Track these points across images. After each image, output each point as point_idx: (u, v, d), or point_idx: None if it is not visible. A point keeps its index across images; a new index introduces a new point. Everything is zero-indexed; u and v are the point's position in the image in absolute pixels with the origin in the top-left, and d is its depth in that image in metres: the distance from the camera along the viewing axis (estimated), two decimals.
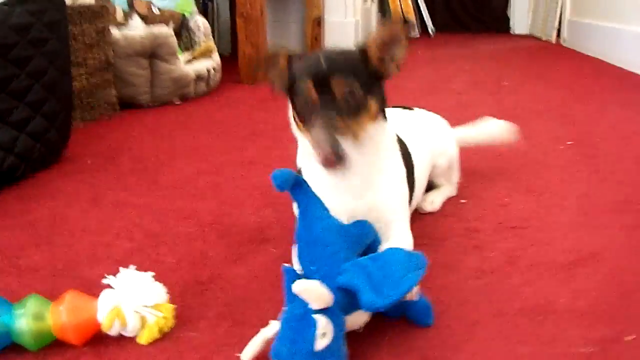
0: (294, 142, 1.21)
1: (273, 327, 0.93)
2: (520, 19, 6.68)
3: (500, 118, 2.52)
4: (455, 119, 1.78)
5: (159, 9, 3.19)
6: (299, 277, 0.97)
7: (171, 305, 1.02)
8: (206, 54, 3.26)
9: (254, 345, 0.93)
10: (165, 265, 1.24)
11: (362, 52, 1.09)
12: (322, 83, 1.02)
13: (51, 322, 0.94)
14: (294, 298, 0.91)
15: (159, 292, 1.00)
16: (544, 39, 5.74)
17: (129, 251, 1.32)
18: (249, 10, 3.46)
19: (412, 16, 6.55)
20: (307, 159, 1.14)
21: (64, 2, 1.96)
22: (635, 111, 2.60)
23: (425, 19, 6.66)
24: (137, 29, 2.83)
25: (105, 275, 1.01)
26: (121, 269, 1.03)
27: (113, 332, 0.96)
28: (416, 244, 1.18)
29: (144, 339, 0.97)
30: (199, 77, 3.11)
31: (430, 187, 1.57)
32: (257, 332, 0.96)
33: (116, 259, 1.27)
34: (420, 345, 0.96)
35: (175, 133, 2.42)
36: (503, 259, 1.25)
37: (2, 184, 1.70)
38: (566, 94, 3.10)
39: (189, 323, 1.03)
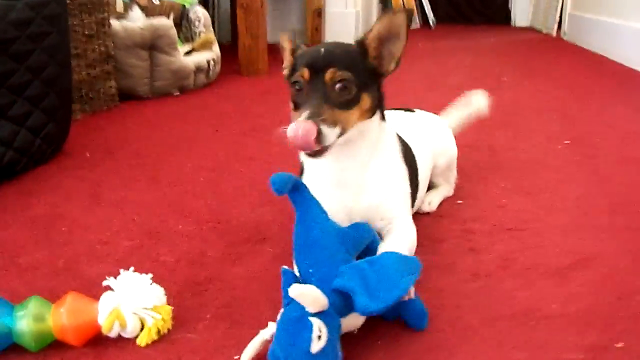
0: None
1: (271, 329, 0.95)
2: (522, 12, 6.66)
3: (499, 116, 2.54)
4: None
5: None
6: (297, 279, 0.98)
7: (169, 307, 1.03)
8: (206, 45, 3.26)
9: (252, 347, 0.95)
10: (164, 265, 1.26)
11: (361, 46, 1.11)
12: (317, 72, 1.05)
13: (52, 324, 0.95)
14: (291, 301, 0.93)
15: (157, 295, 1.02)
16: (544, 32, 5.73)
17: (128, 250, 1.33)
18: (249, 1, 3.45)
19: (413, 7, 6.53)
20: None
21: None
22: (634, 110, 2.61)
23: (426, 10, 6.63)
24: (137, 20, 2.82)
25: (106, 277, 1.03)
26: (121, 270, 1.04)
27: (112, 333, 0.98)
28: None
29: (142, 340, 0.98)
30: (198, 69, 3.11)
31: (428, 187, 1.58)
32: (254, 333, 0.98)
33: (115, 258, 1.29)
34: (415, 349, 0.98)
35: (174, 127, 2.43)
36: (498, 262, 1.27)
37: (1, 178, 1.71)
38: (565, 91, 3.10)
39: (187, 324, 1.05)
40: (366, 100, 1.09)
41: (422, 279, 1.13)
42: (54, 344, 0.97)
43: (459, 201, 1.60)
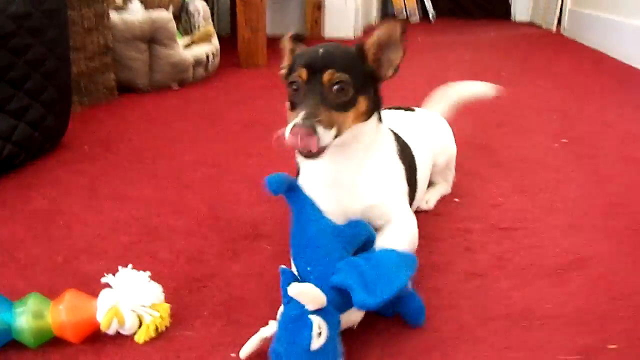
0: None
1: (271, 327, 0.96)
2: (522, 6, 6.67)
3: (497, 113, 2.55)
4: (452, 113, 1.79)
5: None
6: (295, 278, 0.99)
7: (167, 304, 1.04)
8: (205, 38, 3.25)
9: (252, 343, 0.96)
10: (162, 262, 1.27)
11: (360, 50, 1.11)
12: (315, 73, 1.05)
13: (51, 321, 0.96)
14: (290, 299, 0.93)
15: (155, 292, 1.03)
16: (544, 27, 5.73)
17: (127, 246, 1.34)
18: None
19: (413, 1, 6.51)
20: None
21: None
22: (634, 109, 2.62)
23: (426, 4, 6.63)
24: (136, 13, 2.81)
25: (104, 273, 1.04)
26: (120, 267, 1.05)
27: (111, 331, 0.98)
28: None
29: (141, 337, 0.99)
30: (197, 62, 3.11)
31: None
32: (252, 331, 0.99)
33: (114, 254, 1.30)
34: (410, 349, 0.99)
35: (172, 121, 2.43)
36: (493, 261, 1.28)
37: (0, 172, 1.72)
38: (565, 88, 3.11)
39: (185, 322, 1.06)
40: (363, 103, 1.09)
41: (419, 278, 1.15)
42: (53, 341, 0.98)
43: (456, 199, 1.61)
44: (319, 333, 0.89)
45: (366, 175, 1.17)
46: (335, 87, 1.05)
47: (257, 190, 1.66)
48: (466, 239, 1.38)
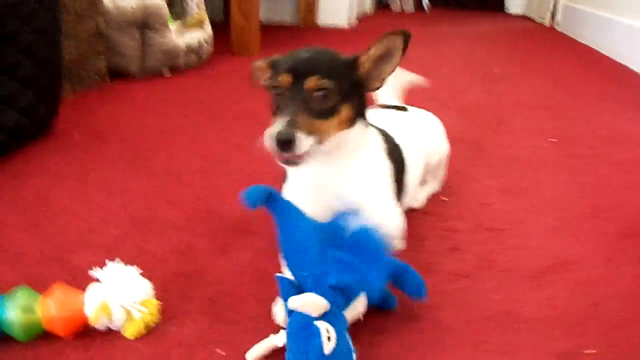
0: None
1: (282, 337, 0.96)
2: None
3: (488, 109, 2.58)
4: (443, 107, 1.80)
5: None
6: (293, 284, 1.00)
7: (156, 301, 1.05)
8: (198, 25, 3.23)
9: (260, 348, 0.97)
10: (151, 256, 1.28)
11: (354, 62, 1.11)
12: (298, 79, 1.04)
13: (40, 315, 0.97)
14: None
15: (145, 289, 1.04)
16: (537, 20, 5.74)
17: (116, 238, 1.35)
18: None
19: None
20: None
21: None
22: (624, 109, 2.64)
23: None
24: None
25: (93, 267, 1.05)
26: (109, 262, 1.06)
27: (100, 325, 1.00)
28: None
29: (130, 333, 1.00)
30: (189, 49, 3.10)
31: None
32: (240, 328, 1.03)
33: (103, 247, 1.31)
34: (391, 351, 1.01)
35: (164, 109, 2.42)
36: (478, 262, 1.30)
37: None
38: (556, 86, 3.13)
39: (174, 317, 1.07)
40: (346, 111, 1.08)
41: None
42: (43, 335, 0.99)
43: (444, 198, 1.63)
44: (328, 337, 0.90)
45: (351, 177, 1.17)
46: (319, 93, 1.04)
47: (248, 182, 1.66)
48: (452, 238, 1.41)
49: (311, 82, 1.03)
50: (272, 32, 4.38)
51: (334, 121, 1.07)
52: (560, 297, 1.18)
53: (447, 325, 1.08)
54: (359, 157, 1.18)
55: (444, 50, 4.18)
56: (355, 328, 1.03)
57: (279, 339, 0.96)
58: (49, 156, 1.82)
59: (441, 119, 1.69)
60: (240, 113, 2.38)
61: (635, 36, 3.47)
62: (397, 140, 1.35)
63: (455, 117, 2.36)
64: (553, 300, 1.16)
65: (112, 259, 1.08)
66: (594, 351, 1.01)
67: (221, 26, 4.09)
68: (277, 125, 1.00)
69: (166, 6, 2.91)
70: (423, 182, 1.61)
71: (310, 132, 1.01)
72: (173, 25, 3.06)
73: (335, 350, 0.90)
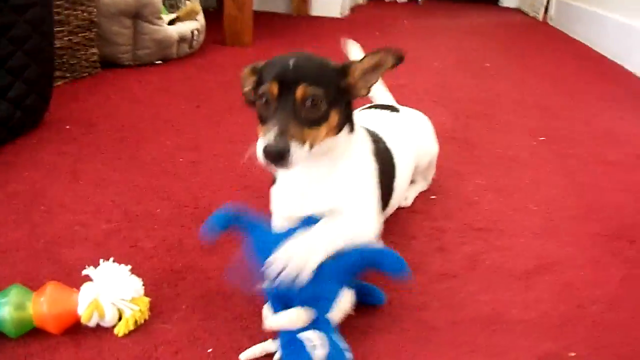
0: None
1: (275, 344, 0.99)
2: None
3: (479, 106, 2.59)
4: (433, 103, 1.80)
5: None
6: (279, 295, 1.00)
7: (147, 298, 1.07)
8: (191, 15, 3.22)
9: (254, 351, 0.99)
10: (142, 251, 1.29)
11: (343, 69, 1.11)
12: (286, 87, 1.02)
13: (32, 312, 0.98)
14: None
15: (135, 286, 1.05)
16: (531, 14, 5.75)
17: (107, 233, 1.35)
18: None
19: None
20: None
21: None
22: (615, 108, 2.66)
23: None
24: None
25: (84, 263, 1.07)
26: (101, 261, 1.07)
27: (91, 323, 1.01)
28: (384, 242, 1.22)
29: (120, 330, 1.02)
30: (182, 39, 3.08)
31: None
32: (229, 326, 1.05)
33: (94, 241, 1.31)
34: (377, 351, 1.03)
35: (156, 100, 2.42)
36: (465, 263, 1.32)
37: None
38: (547, 83, 3.15)
39: (163, 315, 1.08)
40: (335, 118, 1.08)
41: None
42: (34, 332, 1.00)
43: (433, 196, 1.65)
44: (314, 345, 0.92)
45: (334, 180, 1.16)
46: (308, 102, 1.03)
47: (238, 176, 1.68)
48: (439, 238, 1.42)
49: (300, 90, 1.02)
50: (265, 22, 4.36)
51: (324, 128, 1.06)
52: (545, 299, 1.20)
53: (433, 325, 1.10)
54: (345, 160, 1.17)
55: (436, 44, 4.18)
56: (341, 328, 1.04)
57: (271, 346, 0.98)
58: (40, 148, 1.82)
59: (431, 117, 1.70)
60: (232, 105, 2.38)
61: (628, 34, 3.49)
62: (388, 142, 1.35)
63: (445, 114, 2.38)
64: (538, 302, 1.19)
65: (102, 255, 1.09)
66: (575, 354, 1.03)
67: (214, 14, 4.07)
68: (269, 136, 0.98)
69: None
70: (412, 181, 1.62)
71: (303, 141, 1.01)
72: (166, 15, 3.04)
73: (327, 355, 0.92)
